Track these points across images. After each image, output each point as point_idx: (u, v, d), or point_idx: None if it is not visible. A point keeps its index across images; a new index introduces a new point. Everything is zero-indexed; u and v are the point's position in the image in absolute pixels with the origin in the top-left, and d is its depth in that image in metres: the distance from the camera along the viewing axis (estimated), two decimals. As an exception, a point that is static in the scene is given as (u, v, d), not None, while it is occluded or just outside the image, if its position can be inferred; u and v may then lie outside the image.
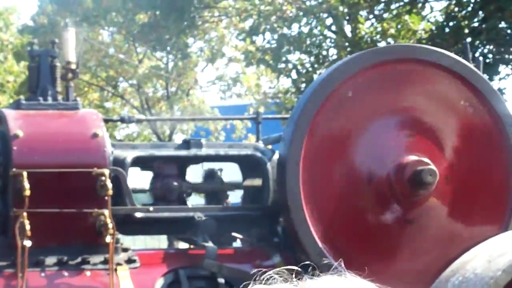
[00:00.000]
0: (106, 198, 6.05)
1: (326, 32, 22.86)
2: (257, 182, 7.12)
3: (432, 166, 6.02)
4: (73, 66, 6.77)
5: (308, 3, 22.26)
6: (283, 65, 22.97)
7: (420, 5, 20.34)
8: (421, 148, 6.32)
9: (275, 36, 22.79)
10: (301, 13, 22.15)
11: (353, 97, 6.38)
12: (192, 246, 7.15)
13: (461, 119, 6.52)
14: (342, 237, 6.34)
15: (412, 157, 6.09)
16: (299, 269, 1.55)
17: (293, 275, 1.44)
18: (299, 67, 22.67)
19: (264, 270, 1.38)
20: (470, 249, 6.11)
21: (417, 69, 6.53)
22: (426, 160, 6.07)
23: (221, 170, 7.20)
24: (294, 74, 23.14)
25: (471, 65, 6.75)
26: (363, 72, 6.42)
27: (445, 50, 7.18)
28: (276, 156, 6.76)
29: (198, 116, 32.19)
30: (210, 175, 7.19)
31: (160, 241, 8.02)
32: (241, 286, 1.33)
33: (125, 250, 6.57)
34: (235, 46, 33.34)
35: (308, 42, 22.33)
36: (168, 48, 31.53)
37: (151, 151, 7.18)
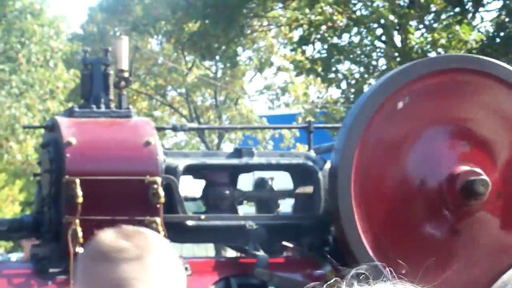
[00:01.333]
0: (158, 206, 6.01)
1: (376, 42, 22.44)
2: (308, 190, 7.00)
3: (485, 177, 5.99)
4: (126, 74, 6.73)
5: (358, 13, 21.95)
6: (332, 75, 22.74)
7: (470, 15, 20.19)
8: (474, 158, 6.27)
9: (325, 46, 22.37)
10: (351, 23, 21.79)
11: (405, 107, 6.36)
12: (242, 255, 7.01)
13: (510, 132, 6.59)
14: (392, 246, 6.30)
15: (465, 167, 6.06)
16: (350, 278, 1.58)
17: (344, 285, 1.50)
18: (349, 77, 22.43)
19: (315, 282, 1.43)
20: None
21: (470, 79, 6.50)
22: (479, 170, 6.03)
23: (272, 179, 7.18)
24: (343, 84, 23.06)
25: None
26: (415, 82, 6.40)
27: (498, 61, 7.15)
28: (327, 166, 6.73)
29: (248, 125, 32.64)
30: (261, 184, 7.20)
31: (207, 250, 7.97)
32: None
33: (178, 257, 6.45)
34: (284, 56, 33.17)
35: (358, 52, 22.00)
36: (217, 57, 30.30)
37: (203, 159, 7.13)
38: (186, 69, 34.09)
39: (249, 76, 36.84)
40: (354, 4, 22.84)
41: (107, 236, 3.50)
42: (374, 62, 22.62)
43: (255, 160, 7.07)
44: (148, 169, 6.23)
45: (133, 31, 30.30)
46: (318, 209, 6.68)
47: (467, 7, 20.70)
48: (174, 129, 8.80)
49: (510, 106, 6.50)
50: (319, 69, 22.86)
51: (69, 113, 6.65)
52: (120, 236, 3.52)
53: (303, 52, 24.01)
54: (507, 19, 19.11)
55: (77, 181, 5.90)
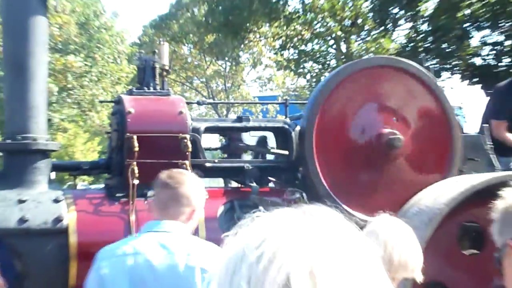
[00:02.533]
0: (187, 153, 6.41)
1: (329, 49, 26.49)
2: (284, 151, 7.47)
3: (400, 136, 6.49)
4: (166, 67, 7.20)
5: (318, 30, 25.19)
6: (301, 70, 26.21)
7: (390, 32, 22.93)
8: (394, 124, 6.73)
9: (296, 51, 25.73)
10: (313, 36, 25.17)
11: (349, 89, 6.82)
12: (242, 186, 7.39)
13: (419, 106, 6.92)
14: (341, 180, 6.72)
15: (387, 130, 6.54)
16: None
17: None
18: (311, 71, 26.08)
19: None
20: (423, 190, 6.55)
21: (390, 72, 6.95)
22: (396, 131, 6.54)
23: (265, 137, 7.75)
24: (308, 76, 26.75)
25: (425, 71, 7.19)
26: (356, 73, 6.85)
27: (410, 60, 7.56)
28: (298, 128, 7.11)
29: (246, 101, 39.01)
30: (262, 140, 7.72)
31: (219, 183, 8.42)
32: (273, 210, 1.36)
33: None
34: (269, 57, 37.38)
35: (317, 55, 25.75)
36: (226, 58, 37.74)
37: (216, 123, 7.64)
38: (206, 65, 39.56)
39: (247, 70, 42.65)
40: (315, 24, 25.46)
41: (166, 174, 4.67)
42: (328, 62, 26.14)
43: (251, 124, 7.49)
44: (181, 129, 6.55)
45: (172, 41, 33.73)
46: (291, 156, 7.13)
47: (388, 27, 22.32)
48: (198, 103, 9.36)
49: (415, 89, 6.89)
50: (293, 66, 25.91)
51: (130, 92, 7.07)
52: (170, 173, 4.67)
53: (282, 55, 26.80)
54: (414, 35, 21.24)
55: (135, 137, 6.26)
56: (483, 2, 17.27)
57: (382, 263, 1.20)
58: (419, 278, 3.82)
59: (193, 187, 4.78)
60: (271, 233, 1.12)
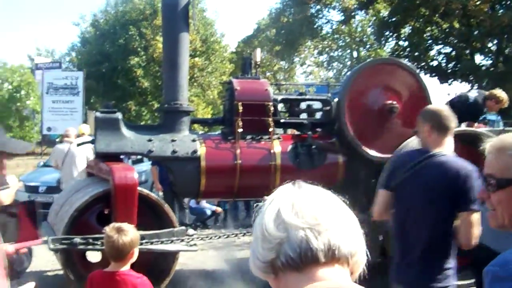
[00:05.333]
0: (271, 113, 7.93)
1: (347, 55, 38.55)
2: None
3: (396, 105, 8.05)
4: (258, 63, 8.64)
5: (340, 44, 38.34)
6: (330, 67, 36.85)
7: (383, 45, 31.22)
8: (392, 98, 8.19)
9: (328, 56, 38.63)
10: (337, 47, 37.47)
11: (366, 77, 8.17)
12: (301, 133, 8.50)
13: (408, 86, 8.24)
14: (361, 131, 8.08)
15: (389, 101, 8.11)
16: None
17: None
18: (336, 68, 34.64)
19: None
20: (410, 138, 7.47)
21: (391, 67, 8.29)
22: (394, 102, 8.05)
23: (311, 105, 8.77)
24: (334, 71, 36.12)
25: (412, 66, 8.29)
26: (370, 67, 8.34)
27: (401, 60, 8.62)
28: (335, 99, 8.52)
29: (298, 83, 43.43)
30: (308, 107, 8.81)
31: (289, 132, 9.19)
32: None
33: (276, 134, 8.28)
34: (311, 60, 49.23)
35: (339, 59, 38.26)
36: (285, 60, 47.73)
37: (287, 96, 9.03)
38: (274, 64, 48.87)
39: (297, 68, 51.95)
40: (339, 41, 37.58)
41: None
42: (346, 63, 37.03)
43: (308, 96, 8.93)
44: (266, 99, 8.07)
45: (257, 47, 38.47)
46: (331, 116, 8.50)
47: (382, 42, 30.88)
48: (276, 85, 11.40)
49: (405, 76, 8.19)
50: (325, 65, 37.15)
51: (236, 77, 8.48)
52: None
53: (318, 58, 41.17)
54: (397, 47, 28.21)
55: (239, 103, 7.91)
56: (438, 28, 26.61)
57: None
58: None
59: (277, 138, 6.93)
60: (275, 192, 1.45)
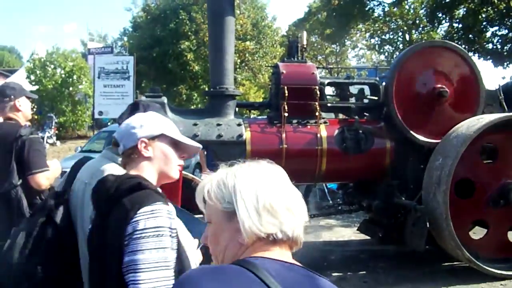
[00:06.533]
0: (317, 97, 7.83)
1: (398, 38, 34.93)
2: (374, 97, 8.29)
3: (446, 89, 7.94)
4: (305, 46, 8.41)
5: (392, 26, 34.75)
6: (381, 51, 35.22)
7: (436, 27, 28.88)
8: (442, 82, 8.02)
9: (379, 39, 35.51)
10: (389, 30, 34.96)
11: (414, 61, 8.04)
12: (349, 118, 8.41)
13: (458, 70, 8.12)
14: (409, 116, 7.96)
15: (439, 85, 7.99)
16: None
17: None
18: (388, 52, 33.53)
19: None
20: (460, 122, 7.80)
21: (440, 50, 8.16)
22: (444, 87, 7.95)
23: (363, 89, 8.86)
24: (385, 54, 34.71)
25: (463, 49, 8.04)
26: (420, 51, 8.14)
27: (451, 42, 8.37)
28: (383, 83, 8.30)
29: (348, 67, 43.71)
30: (360, 91, 8.87)
31: (335, 115, 8.93)
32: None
33: (323, 118, 8.18)
34: (362, 43, 48.99)
35: (391, 42, 34.74)
36: (337, 43, 46.28)
37: (335, 79, 8.87)
38: (325, 47, 48.77)
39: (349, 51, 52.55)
40: (391, 23, 34.20)
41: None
42: (398, 46, 33.38)
43: (355, 80, 8.86)
44: (313, 83, 7.93)
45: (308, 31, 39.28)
46: (379, 100, 8.35)
47: (434, 24, 28.55)
48: (326, 68, 10.81)
49: (456, 60, 8.06)
50: (376, 47, 35.23)
51: (283, 61, 8.38)
52: None
53: (371, 42, 38.37)
54: (450, 29, 26.40)
55: (285, 87, 7.77)
56: (494, 9, 24.08)
57: None
58: None
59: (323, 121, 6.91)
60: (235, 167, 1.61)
